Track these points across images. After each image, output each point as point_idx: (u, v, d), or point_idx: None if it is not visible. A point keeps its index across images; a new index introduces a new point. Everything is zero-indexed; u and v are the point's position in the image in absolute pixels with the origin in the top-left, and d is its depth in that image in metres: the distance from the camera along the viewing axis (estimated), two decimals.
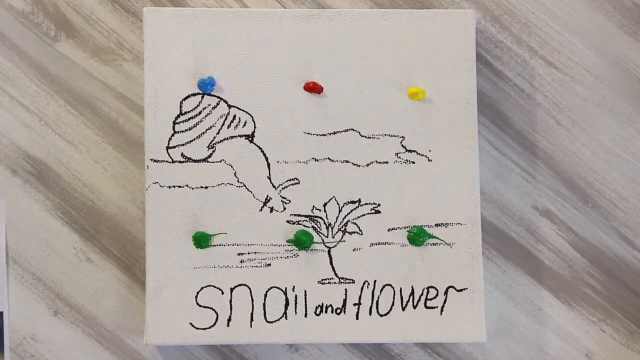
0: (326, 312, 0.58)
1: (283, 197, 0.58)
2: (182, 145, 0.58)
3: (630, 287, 0.62)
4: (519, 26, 0.63)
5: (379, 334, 0.58)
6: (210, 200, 0.58)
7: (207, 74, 0.58)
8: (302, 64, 0.58)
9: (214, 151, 0.58)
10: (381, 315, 0.58)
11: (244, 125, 0.58)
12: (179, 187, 0.57)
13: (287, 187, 0.58)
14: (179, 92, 0.58)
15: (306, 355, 0.61)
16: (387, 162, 0.58)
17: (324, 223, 0.58)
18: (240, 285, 0.58)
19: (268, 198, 0.58)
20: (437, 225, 0.58)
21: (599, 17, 0.63)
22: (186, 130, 0.58)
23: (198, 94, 0.58)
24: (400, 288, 0.58)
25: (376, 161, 0.58)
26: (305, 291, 0.58)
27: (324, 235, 0.58)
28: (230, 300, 0.58)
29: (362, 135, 0.58)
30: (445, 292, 0.58)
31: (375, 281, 0.58)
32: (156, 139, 0.57)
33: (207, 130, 0.58)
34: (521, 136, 0.62)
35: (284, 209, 0.58)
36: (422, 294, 0.58)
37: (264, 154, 0.58)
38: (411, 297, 0.58)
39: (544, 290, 0.62)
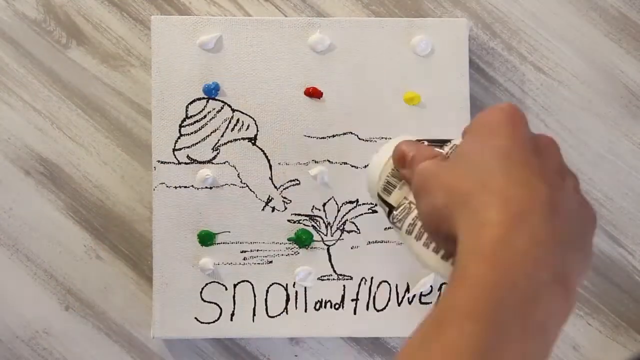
0: (325, 307, 0.59)
1: (284, 197, 0.59)
2: (188, 147, 0.58)
3: (616, 283, 0.63)
4: (509, 34, 0.63)
5: (375, 329, 0.59)
6: (214, 200, 0.58)
7: (212, 80, 0.58)
8: (302, 69, 0.59)
9: (218, 153, 0.58)
10: (378, 311, 0.59)
11: (247, 128, 0.59)
12: (185, 187, 0.58)
13: (288, 187, 0.59)
14: (184, 97, 0.58)
15: (306, 348, 0.61)
16: None
17: (323, 222, 0.59)
18: (243, 281, 0.58)
19: (270, 198, 0.59)
20: None
21: (586, 25, 0.63)
22: (192, 133, 0.58)
23: (203, 98, 0.58)
24: (396, 284, 0.59)
25: None
26: (305, 287, 0.59)
27: (323, 234, 0.59)
28: (234, 296, 0.58)
29: (360, 139, 0.59)
30: (439, 289, 0.59)
31: (372, 278, 0.59)
32: (163, 142, 0.58)
33: (211, 133, 0.58)
34: None
35: (285, 208, 0.59)
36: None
37: (266, 156, 0.59)
38: (407, 293, 0.59)
39: None
